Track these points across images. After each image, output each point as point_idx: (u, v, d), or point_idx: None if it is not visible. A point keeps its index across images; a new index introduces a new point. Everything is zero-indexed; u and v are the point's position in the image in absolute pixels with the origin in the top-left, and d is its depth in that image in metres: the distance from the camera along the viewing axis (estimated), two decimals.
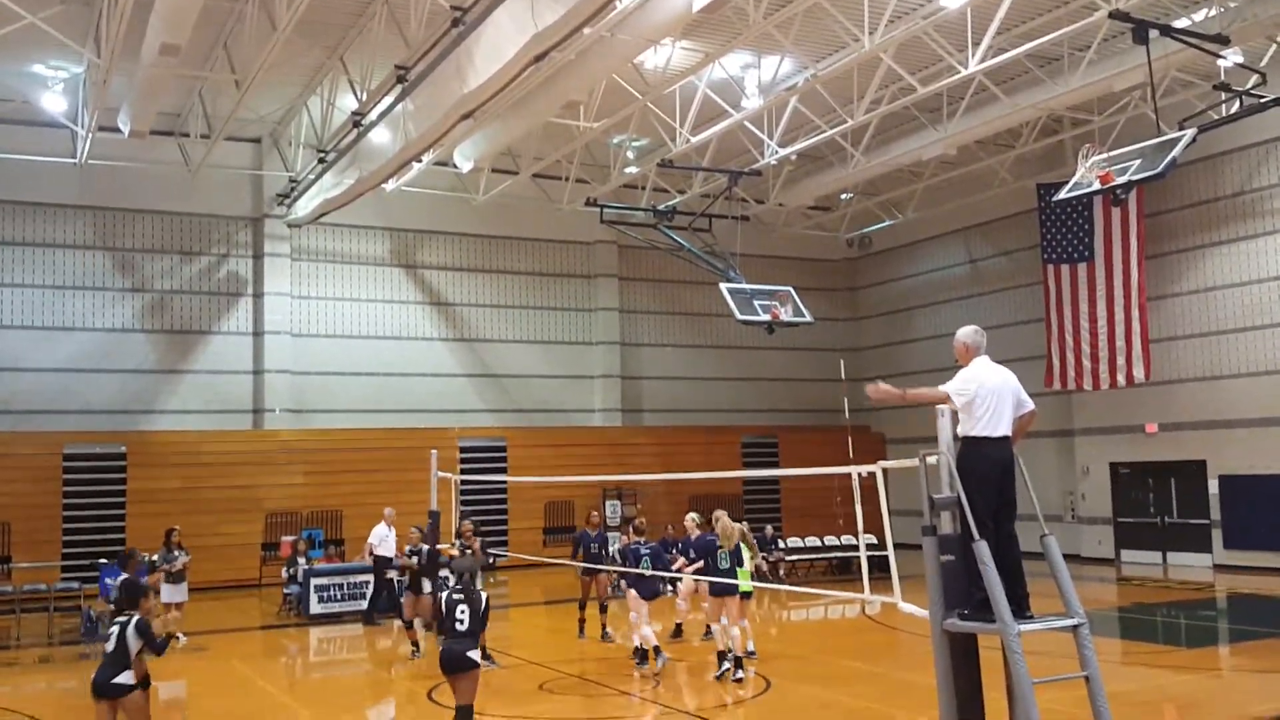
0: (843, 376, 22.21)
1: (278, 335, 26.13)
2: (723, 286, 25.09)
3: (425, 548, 15.11)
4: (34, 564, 21.23)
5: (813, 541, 25.68)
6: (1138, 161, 13.86)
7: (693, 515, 14.34)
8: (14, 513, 22.32)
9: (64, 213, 24.48)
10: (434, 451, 18.28)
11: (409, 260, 28.26)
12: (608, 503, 28.04)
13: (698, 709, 11.94)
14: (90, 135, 21.92)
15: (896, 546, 8.39)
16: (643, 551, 14.37)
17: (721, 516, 13.58)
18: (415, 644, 14.93)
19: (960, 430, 7.41)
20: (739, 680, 12.51)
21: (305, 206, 25.23)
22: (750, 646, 13.58)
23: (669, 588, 15.76)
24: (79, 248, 24.75)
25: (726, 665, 12.84)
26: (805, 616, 19.98)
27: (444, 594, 9.31)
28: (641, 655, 13.56)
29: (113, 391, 24.59)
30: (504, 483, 26.18)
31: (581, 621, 16.21)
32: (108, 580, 18.37)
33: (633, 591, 13.80)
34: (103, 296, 24.99)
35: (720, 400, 31.44)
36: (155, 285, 25.57)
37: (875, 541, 9.76)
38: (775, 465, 28.70)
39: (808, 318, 25.34)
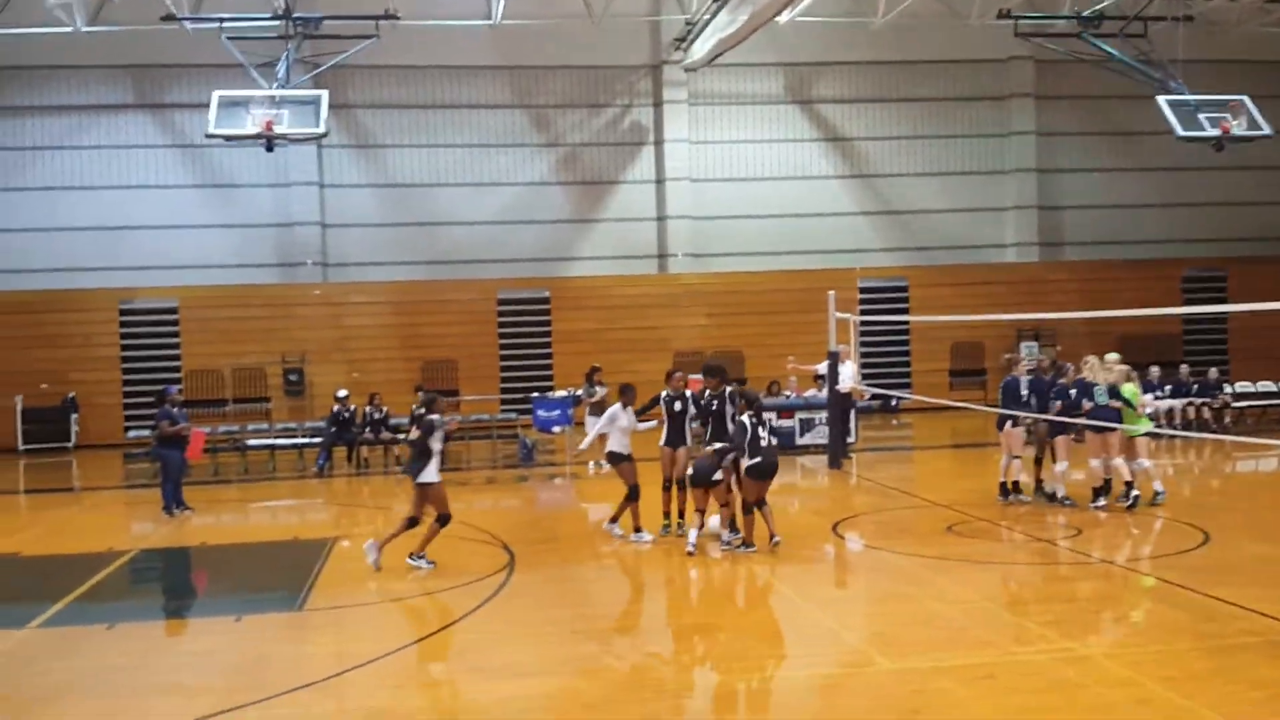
0: None
1: (678, 182, 26.66)
2: (1161, 99, 22.12)
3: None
4: (477, 397, 23.76)
5: (1266, 386, 22.58)
6: None
7: (1104, 357, 13.17)
8: (459, 352, 25.02)
9: (483, 74, 26.20)
10: (831, 292, 18.04)
11: (804, 96, 27.47)
12: (1023, 344, 26.36)
13: (1124, 561, 10.91)
14: None
15: None
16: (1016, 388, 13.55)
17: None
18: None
19: None
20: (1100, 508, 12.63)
21: (700, 49, 25.12)
22: (1157, 487, 13.16)
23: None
24: (498, 107, 26.46)
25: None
26: (1254, 468, 17.71)
27: (745, 419, 11.17)
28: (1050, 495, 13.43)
29: (535, 241, 26.45)
30: (906, 323, 25.31)
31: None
32: (540, 412, 20.09)
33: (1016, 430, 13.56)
34: (521, 153, 26.70)
35: (1155, 230, 28.08)
36: (566, 139, 26.89)
37: None
38: (1223, 301, 25.35)
39: (1266, 130, 21.80)
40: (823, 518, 13.36)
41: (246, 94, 20.01)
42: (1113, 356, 13.31)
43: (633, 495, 11.88)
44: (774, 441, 11.48)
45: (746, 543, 11.26)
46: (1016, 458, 13.59)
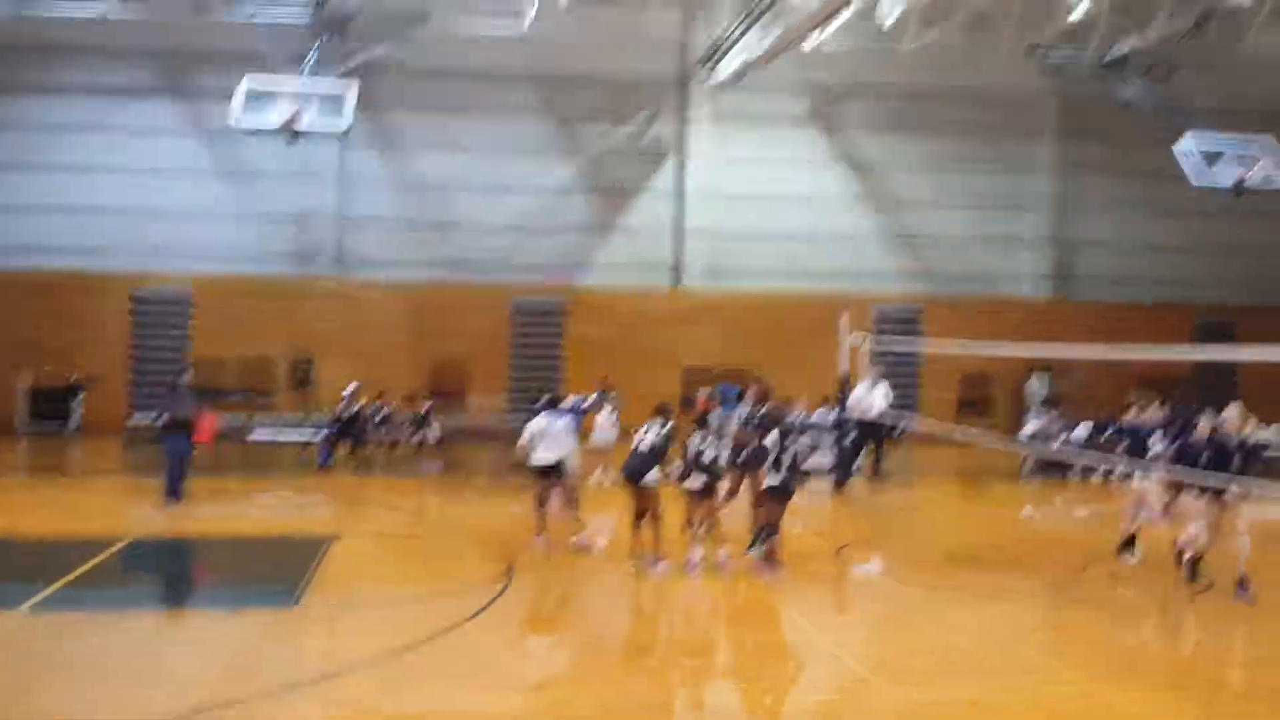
0: None
1: (697, 198, 26.61)
2: (1180, 144, 22.05)
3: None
4: (486, 401, 23.71)
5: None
6: None
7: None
8: (469, 355, 24.97)
9: (510, 81, 26.10)
10: (845, 315, 17.97)
11: (827, 119, 27.41)
12: (1032, 378, 26.28)
13: (1127, 599, 10.76)
14: (534, 5, 23.07)
15: None
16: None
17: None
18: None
19: None
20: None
21: (727, 68, 25.14)
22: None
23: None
24: (522, 114, 26.40)
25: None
26: (1261, 515, 17.54)
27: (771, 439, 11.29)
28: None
29: (551, 249, 26.36)
30: (917, 351, 25.20)
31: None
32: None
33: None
34: (543, 161, 26.58)
35: (1170, 273, 27.93)
36: (589, 150, 26.83)
37: None
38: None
39: None
40: (826, 541, 13.26)
41: (273, 86, 20.02)
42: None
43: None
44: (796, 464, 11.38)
45: (770, 561, 11.13)
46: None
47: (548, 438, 12.12)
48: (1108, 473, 19.49)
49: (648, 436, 11.30)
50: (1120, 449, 12.73)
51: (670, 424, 11.46)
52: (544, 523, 12.33)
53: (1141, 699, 7.54)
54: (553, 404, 12.74)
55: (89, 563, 11.14)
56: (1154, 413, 12.68)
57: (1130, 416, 12.94)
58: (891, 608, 10.29)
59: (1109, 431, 19.89)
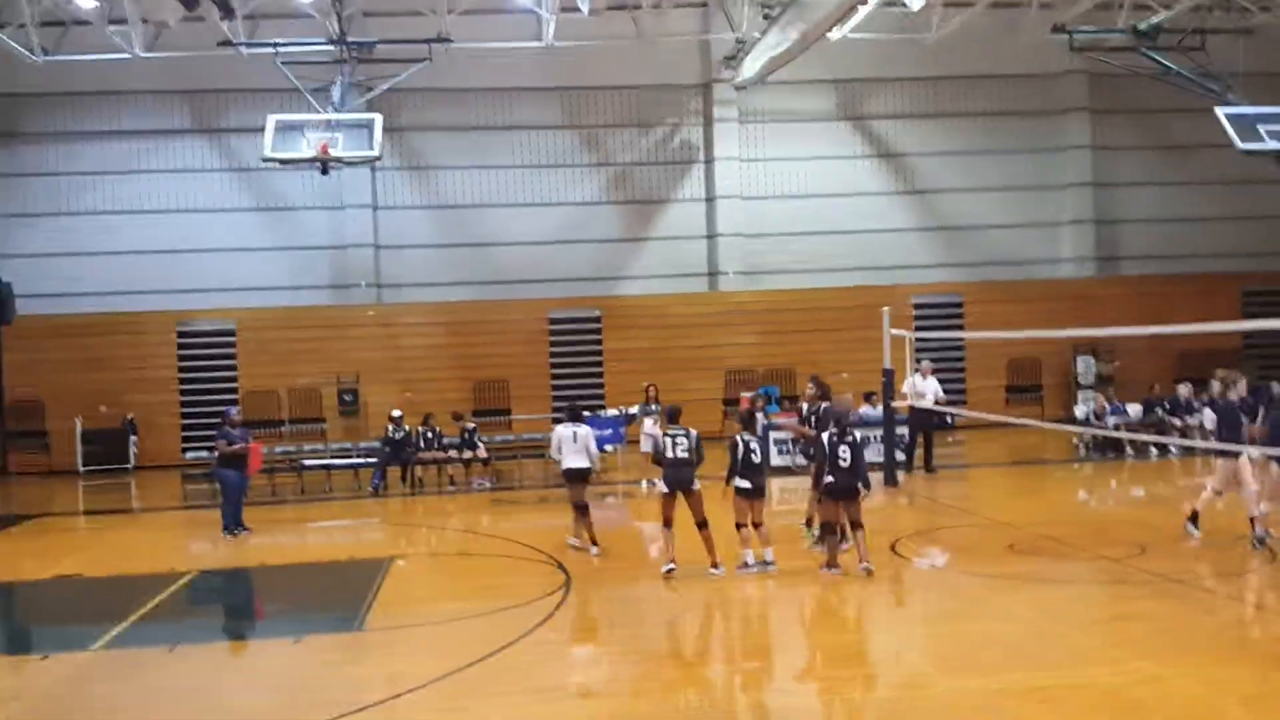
0: None
1: (729, 199, 26.57)
2: (1220, 112, 21.70)
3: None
4: (529, 416, 23.82)
5: None
6: None
7: None
8: (510, 371, 25.10)
9: (534, 95, 26.31)
10: (886, 309, 17.88)
11: (855, 112, 27.30)
12: (1079, 360, 25.96)
13: (1192, 579, 10.58)
14: (554, 18, 23.22)
15: None
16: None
17: None
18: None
19: None
20: None
21: (751, 67, 25.06)
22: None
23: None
24: (549, 128, 26.56)
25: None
26: None
27: (825, 437, 11.16)
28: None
29: (586, 260, 26.46)
30: (961, 340, 24.99)
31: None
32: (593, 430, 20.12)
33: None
34: (572, 173, 26.75)
35: (1216, 245, 27.44)
36: (617, 159, 26.90)
37: None
38: None
39: None
40: (881, 535, 13.15)
41: (301, 118, 20.27)
42: None
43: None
44: (860, 462, 11.06)
45: (831, 564, 11.00)
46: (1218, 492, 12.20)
47: (573, 446, 12.61)
48: (1163, 451, 19.29)
49: (681, 443, 11.22)
50: (1190, 425, 12.46)
51: (691, 430, 11.35)
52: (593, 531, 12.55)
53: (1212, 679, 7.41)
54: (574, 414, 13.08)
55: (156, 598, 11.33)
56: (1239, 390, 12.27)
57: (1186, 393, 12.76)
58: (950, 600, 10.20)
59: (1162, 409, 19.72)
